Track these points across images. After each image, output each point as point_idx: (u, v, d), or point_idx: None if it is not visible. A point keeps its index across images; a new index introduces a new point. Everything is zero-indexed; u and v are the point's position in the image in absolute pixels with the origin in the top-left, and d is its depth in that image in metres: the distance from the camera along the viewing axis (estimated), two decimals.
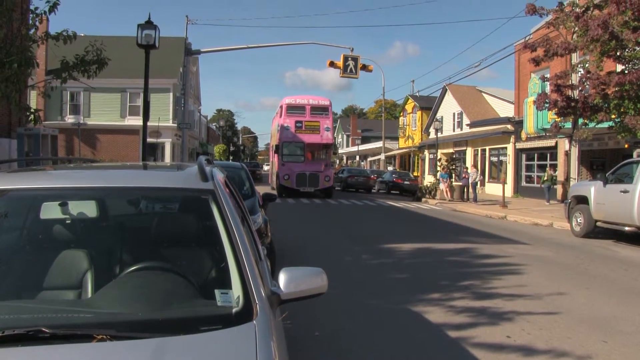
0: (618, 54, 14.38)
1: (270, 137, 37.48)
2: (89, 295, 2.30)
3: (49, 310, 2.07)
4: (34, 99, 22.12)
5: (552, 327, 5.60)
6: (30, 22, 9.41)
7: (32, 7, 9.26)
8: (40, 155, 15.74)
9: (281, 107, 28.68)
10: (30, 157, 14.45)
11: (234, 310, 2.04)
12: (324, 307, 5.74)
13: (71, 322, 1.94)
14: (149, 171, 3.47)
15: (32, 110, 9.57)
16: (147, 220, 3.05)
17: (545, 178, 24.04)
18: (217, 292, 2.19)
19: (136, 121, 30.44)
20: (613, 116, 14.91)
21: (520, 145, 29.02)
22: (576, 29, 15.06)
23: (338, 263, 9.12)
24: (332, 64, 21.10)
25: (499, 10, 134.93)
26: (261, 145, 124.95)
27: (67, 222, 2.76)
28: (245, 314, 2.02)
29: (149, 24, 12.18)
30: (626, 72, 14.00)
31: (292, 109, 27.85)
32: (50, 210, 2.77)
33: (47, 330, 1.77)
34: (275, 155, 28.51)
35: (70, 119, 32.70)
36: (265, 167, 69.85)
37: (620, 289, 7.57)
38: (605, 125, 16.10)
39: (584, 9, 15.16)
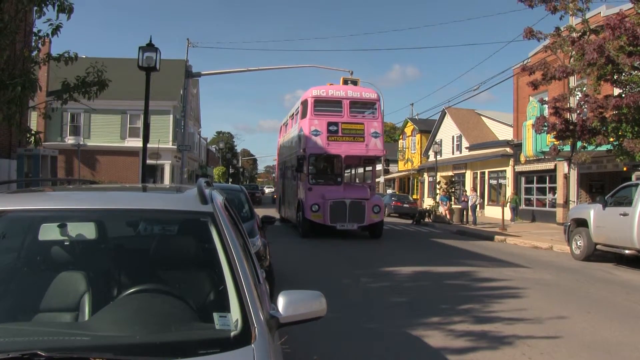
0: (615, 77, 14.51)
1: (277, 151, 28.16)
2: (86, 317, 2.28)
3: (45, 333, 2.05)
4: (34, 120, 22.21)
5: (554, 351, 5.54)
6: (33, 44, 9.49)
7: (35, 30, 9.35)
8: (39, 176, 15.76)
9: (304, 103, 18.94)
10: (29, 178, 14.46)
11: (232, 333, 2.03)
12: (323, 330, 5.68)
13: (67, 346, 1.91)
14: (148, 193, 3.48)
15: (32, 132, 9.60)
16: (146, 243, 3.04)
17: (509, 200, 27.32)
18: (215, 315, 2.17)
19: (136, 143, 30.57)
20: (611, 139, 14.98)
21: (519, 168, 29.08)
22: (573, 53, 15.23)
23: (337, 286, 9.06)
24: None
25: (497, 34, 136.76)
26: (260, 168, 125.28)
27: (65, 243, 2.74)
28: (243, 338, 2.00)
29: (150, 47, 12.29)
30: (623, 95, 14.11)
31: (323, 104, 18.36)
32: (49, 232, 2.76)
33: (42, 354, 1.75)
34: (299, 175, 18.89)
35: (70, 140, 32.82)
36: (267, 190, 69.85)
37: (621, 313, 7.50)
38: (604, 148, 16.16)
39: (580, 33, 15.36)
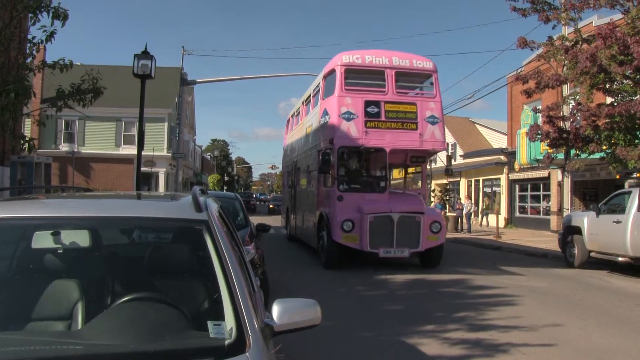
0: (607, 86, 14.63)
1: (283, 151, 22.31)
2: (79, 326, 2.26)
3: (37, 342, 2.03)
4: (28, 127, 22.15)
5: (548, 359, 5.54)
6: (28, 51, 9.49)
7: (29, 37, 9.34)
8: (33, 184, 15.68)
9: (329, 75, 13.35)
10: (22, 186, 14.39)
11: (226, 342, 2.02)
12: (318, 338, 5.66)
13: (59, 355, 1.90)
14: (142, 201, 3.47)
15: (26, 139, 9.57)
16: (140, 251, 3.03)
17: (484, 207, 28.97)
18: (209, 323, 2.16)
19: (131, 150, 30.48)
20: (604, 147, 15.07)
21: (513, 176, 29.19)
22: (566, 61, 15.36)
23: (332, 294, 9.04)
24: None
25: (491, 43, 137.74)
26: (255, 176, 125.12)
27: (59, 251, 2.73)
28: (238, 346, 1.99)
29: (145, 54, 12.30)
30: (615, 104, 14.23)
31: (358, 76, 13.13)
32: (42, 240, 2.74)
33: None
34: (321, 178, 13.59)
35: (64, 147, 32.70)
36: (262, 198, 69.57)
37: (615, 320, 7.52)
38: (597, 156, 16.25)
39: (573, 42, 15.48)
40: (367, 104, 12.28)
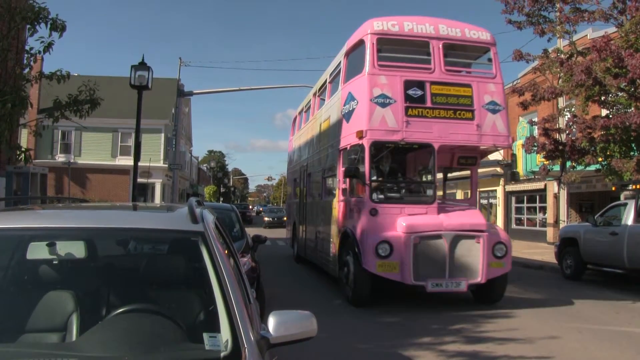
0: (602, 98, 14.75)
1: (289, 155, 18.77)
2: (74, 338, 2.25)
3: (30, 354, 2.02)
4: (24, 137, 22.13)
5: None
6: (25, 61, 9.51)
7: (27, 47, 9.37)
8: (29, 194, 15.63)
9: (355, 49, 10.37)
10: (18, 196, 14.33)
11: (222, 354, 2.01)
12: (315, 350, 5.62)
13: None
14: (138, 212, 3.46)
15: (22, 150, 9.56)
16: (136, 262, 3.02)
17: None
18: (205, 335, 2.15)
19: (127, 161, 30.49)
20: (600, 159, 15.15)
21: (509, 188, 29.26)
22: (561, 74, 15.48)
23: (328, 306, 9.01)
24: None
25: None
26: (252, 187, 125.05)
27: (54, 262, 2.71)
28: (233, 358, 1.99)
29: (142, 65, 12.33)
30: (610, 116, 14.33)
31: (395, 48, 9.95)
32: (38, 251, 2.73)
33: None
34: (346, 184, 10.29)
35: (60, 158, 32.65)
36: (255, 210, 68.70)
37: (612, 332, 7.50)
38: (593, 168, 16.32)
39: (568, 55, 15.63)
40: (408, 84, 9.24)
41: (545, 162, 18.10)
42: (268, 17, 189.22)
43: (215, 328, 2.16)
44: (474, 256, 8.72)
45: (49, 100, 10.32)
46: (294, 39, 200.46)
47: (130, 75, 12.23)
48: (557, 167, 18.53)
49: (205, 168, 69.17)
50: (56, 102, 9.54)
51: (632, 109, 13.89)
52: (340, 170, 10.05)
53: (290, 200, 18.94)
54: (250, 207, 66.90)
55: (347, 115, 9.94)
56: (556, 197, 22.33)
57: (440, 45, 9.61)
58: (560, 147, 15.79)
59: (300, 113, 17.09)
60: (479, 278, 8.68)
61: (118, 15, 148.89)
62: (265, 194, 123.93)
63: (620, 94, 14.15)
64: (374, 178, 9.79)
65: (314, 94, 14.22)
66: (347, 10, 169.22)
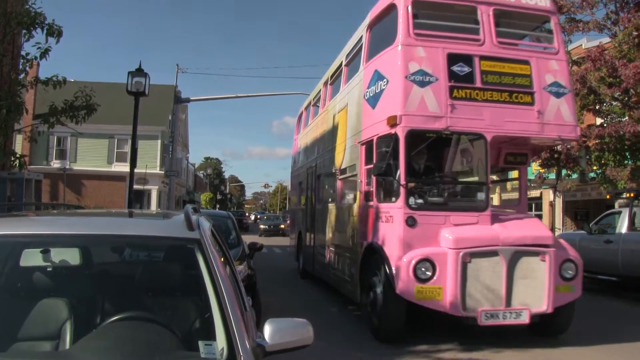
0: (597, 107, 14.86)
1: (294, 156, 16.65)
2: (67, 346, 2.22)
3: None
4: (19, 143, 22.04)
5: None
6: (21, 67, 9.49)
7: (23, 53, 9.35)
8: (23, 201, 15.54)
9: (383, 17, 8.26)
10: (12, 202, 14.25)
11: None
12: (310, 358, 5.59)
13: None
14: (134, 219, 3.45)
15: (17, 155, 9.53)
16: (131, 269, 3.00)
17: None
18: (200, 343, 2.14)
19: (123, 167, 30.38)
20: (595, 168, 15.24)
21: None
22: None
23: (324, 314, 8.97)
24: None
25: None
26: (248, 194, 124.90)
27: (48, 269, 2.69)
28: None
29: (139, 72, 12.34)
30: (605, 125, 14.42)
31: (434, 14, 7.85)
32: (31, 258, 2.71)
33: None
34: (375, 185, 7.93)
35: (56, 164, 32.53)
36: (252, 217, 68.17)
37: (609, 340, 7.49)
38: (588, 176, 16.41)
39: None
40: (453, 59, 7.28)
41: (541, 170, 18.18)
42: (266, 24, 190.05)
43: (210, 336, 2.15)
44: (538, 278, 6.80)
45: (45, 106, 10.30)
46: (292, 46, 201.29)
47: (127, 82, 12.23)
48: (552, 176, 18.59)
49: (201, 175, 69.06)
50: (52, 107, 9.51)
51: (626, 118, 13.98)
52: (363, 169, 8.29)
53: (295, 206, 16.43)
54: (247, 214, 66.67)
55: (373, 100, 7.97)
56: (552, 205, 22.41)
57: (491, 12, 7.63)
58: (556, 156, 15.87)
59: (307, 108, 14.87)
60: (545, 306, 6.73)
61: (115, 21, 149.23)
62: (261, 201, 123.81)
63: (614, 103, 14.25)
64: (412, 177, 7.32)
65: (325, 83, 12.10)
66: (345, 17, 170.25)
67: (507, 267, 6.65)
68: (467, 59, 7.38)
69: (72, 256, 2.86)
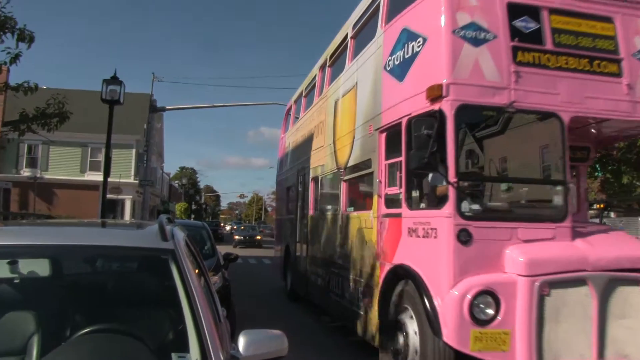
0: None
1: (280, 159, 14.64)
2: None
3: None
4: None
5: None
6: None
7: None
8: None
9: None
10: None
11: None
12: None
13: None
14: (107, 229, 3.39)
15: None
16: (103, 280, 2.94)
17: None
18: (174, 355, 2.12)
19: (96, 177, 29.87)
20: None
21: None
22: None
23: (299, 325, 8.93)
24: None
25: None
26: (224, 205, 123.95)
27: (15, 281, 2.62)
28: None
29: (114, 80, 12.21)
30: None
31: None
32: None
33: None
34: (382, 187, 6.23)
35: (26, 173, 31.81)
36: (227, 227, 67.34)
37: None
38: None
39: None
40: (515, 10, 5.39)
41: None
42: (242, 35, 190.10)
43: (184, 348, 2.12)
44: None
45: (15, 112, 10.09)
46: (267, 57, 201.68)
47: (101, 90, 12.09)
48: None
49: (176, 185, 68.41)
50: (22, 114, 9.34)
51: None
52: (383, 164, 6.24)
53: (282, 215, 13.88)
54: (222, 224, 66.05)
55: (399, 69, 5.95)
56: None
57: None
58: None
59: (296, 100, 12.85)
60: None
61: (90, 27, 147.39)
62: (237, 212, 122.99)
63: None
64: (464, 174, 5.46)
65: (322, 67, 10.10)
66: (321, 29, 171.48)
67: (599, 300, 4.71)
68: (533, 12, 5.50)
69: (41, 267, 2.79)
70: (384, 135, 6.31)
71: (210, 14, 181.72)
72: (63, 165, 33.32)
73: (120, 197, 31.77)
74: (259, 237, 36.87)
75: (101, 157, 28.75)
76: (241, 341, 2.19)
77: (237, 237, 36.93)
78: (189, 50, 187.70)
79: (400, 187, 5.72)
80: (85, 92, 29.14)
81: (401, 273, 5.52)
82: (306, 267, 10.23)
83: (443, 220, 4.91)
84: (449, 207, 4.86)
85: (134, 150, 34.06)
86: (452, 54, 5.05)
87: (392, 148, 6.12)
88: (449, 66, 5.04)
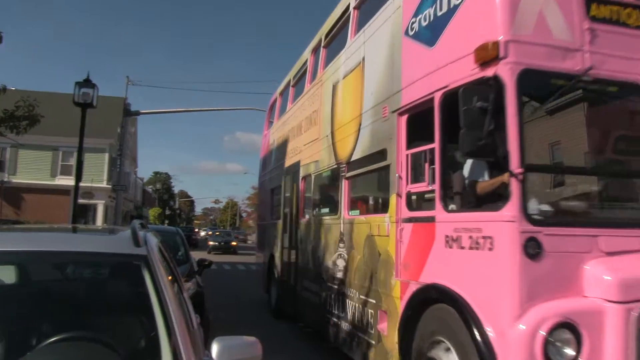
0: None
1: (263, 158, 13.21)
2: None
3: None
4: None
5: None
6: None
7: None
8: None
9: None
10: None
11: None
12: None
13: None
14: (78, 234, 3.33)
15: None
16: (73, 287, 2.87)
17: None
18: None
19: (68, 181, 29.32)
20: None
21: None
22: None
23: (274, 331, 8.87)
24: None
25: None
26: (198, 210, 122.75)
27: None
28: None
29: (87, 82, 12.00)
30: None
31: None
32: None
33: None
34: (402, 185, 4.87)
35: None
36: (202, 233, 66.10)
37: None
38: None
39: None
40: None
41: None
42: (219, 39, 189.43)
43: (156, 356, 2.08)
44: None
45: None
46: (245, 62, 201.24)
47: (74, 92, 11.88)
48: None
49: (150, 190, 67.55)
50: None
51: None
52: (403, 155, 4.94)
53: (265, 220, 12.47)
54: (196, 230, 65.19)
55: (430, 31, 4.66)
56: None
57: None
58: None
59: (282, 92, 11.61)
60: None
61: (63, 29, 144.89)
62: (211, 217, 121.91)
63: None
64: (531, 164, 3.82)
65: (314, 50, 8.86)
66: (293, 35, 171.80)
67: None
68: None
69: (7, 274, 2.71)
70: (404, 118, 5.00)
71: (188, 18, 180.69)
72: (32, 169, 32.57)
73: (92, 202, 31.24)
74: (234, 243, 36.57)
75: (73, 161, 28.23)
76: (214, 348, 2.16)
77: (211, 242, 36.38)
78: (165, 55, 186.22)
79: (431, 182, 4.40)
80: (58, 95, 28.65)
81: (434, 295, 4.16)
82: (296, 281, 8.77)
83: (503, 225, 3.58)
84: (511, 208, 3.54)
85: (107, 155, 33.51)
86: (511, 3, 3.76)
87: (416, 134, 4.87)
88: (506, 18, 3.73)
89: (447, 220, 4.15)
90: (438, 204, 4.27)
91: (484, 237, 3.71)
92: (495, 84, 3.64)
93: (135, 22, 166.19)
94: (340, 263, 6.57)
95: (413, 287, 4.48)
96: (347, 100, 6.78)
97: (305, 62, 9.39)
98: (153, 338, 2.16)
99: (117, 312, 2.59)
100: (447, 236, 4.11)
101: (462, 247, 3.92)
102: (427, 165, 4.50)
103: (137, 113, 24.77)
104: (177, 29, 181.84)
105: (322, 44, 8.39)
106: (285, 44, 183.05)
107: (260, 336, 2.31)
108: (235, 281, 17.33)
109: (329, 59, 7.95)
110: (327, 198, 7.92)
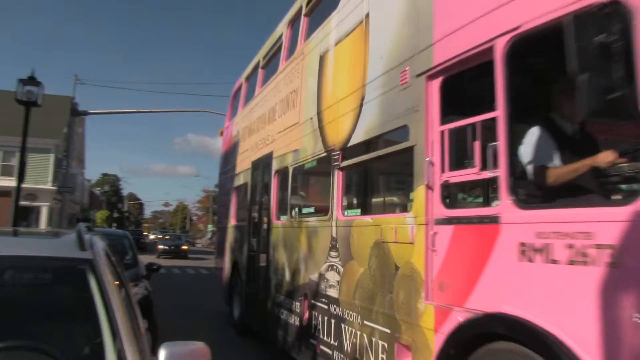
0: None
1: (226, 151, 11.48)
2: None
3: None
4: None
5: None
6: None
7: None
8: None
9: None
10: None
11: None
12: None
13: None
14: (19, 238, 3.21)
15: None
16: (13, 293, 2.76)
17: None
18: None
19: (9, 182, 28.03)
20: None
21: None
22: None
23: (226, 335, 8.79)
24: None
25: None
26: (147, 213, 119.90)
27: None
28: None
29: (31, 80, 11.59)
30: None
31: None
32: None
33: None
34: (436, 175, 3.42)
35: None
36: (152, 236, 63.90)
37: None
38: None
39: None
40: None
41: None
42: (172, 40, 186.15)
43: None
44: None
45: None
46: (195, 64, 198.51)
47: (16, 90, 11.44)
48: None
49: (98, 192, 65.58)
50: None
51: None
52: (436, 131, 3.55)
53: (226, 223, 10.77)
54: (146, 233, 63.51)
55: None
56: None
57: None
58: None
59: (250, 77, 10.09)
60: None
61: (6, 23, 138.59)
62: (161, 220, 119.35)
63: None
64: None
65: (292, 21, 7.43)
66: (246, 38, 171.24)
67: None
68: None
69: None
70: (437, 82, 3.61)
71: (139, 18, 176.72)
72: None
73: (35, 204, 30.01)
74: (185, 247, 35.83)
75: (15, 162, 27.02)
76: (162, 354, 2.13)
77: (161, 246, 35.10)
78: (117, 54, 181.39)
79: (487, 167, 3.06)
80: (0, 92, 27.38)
81: (500, 330, 2.81)
82: (266, 295, 7.34)
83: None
84: None
85: (52, 155, 32.27)
86: None
87: (455, 103, 3.60)
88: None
89: (524, 220, 2.79)
90: (505, 197, 2.90)
91: (596, 246, 2.34)
92: (623, 11, 2.29)
93: (88, 21, 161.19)
94: (332, 277, 5.11)
95: (458, 316, 3.12)
96: (342, 71, 5.40)
97: (280, 37, 7.87)
98: (98, 344, 2.12)
99: (60, 319, 2.52)
100: (523, 244, 2.75)
101: (553, 261, 2.56)
102: (476, 143, 3.15)
103: (85, 113, 24.02)
104: (128, 28, 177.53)
105: (304, 12, 6.87)
106: (239, 45, 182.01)
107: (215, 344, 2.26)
108: (185, 285, 17.03)
109: (313, 28, 6.52)
110: (312, 195, 6.87)
